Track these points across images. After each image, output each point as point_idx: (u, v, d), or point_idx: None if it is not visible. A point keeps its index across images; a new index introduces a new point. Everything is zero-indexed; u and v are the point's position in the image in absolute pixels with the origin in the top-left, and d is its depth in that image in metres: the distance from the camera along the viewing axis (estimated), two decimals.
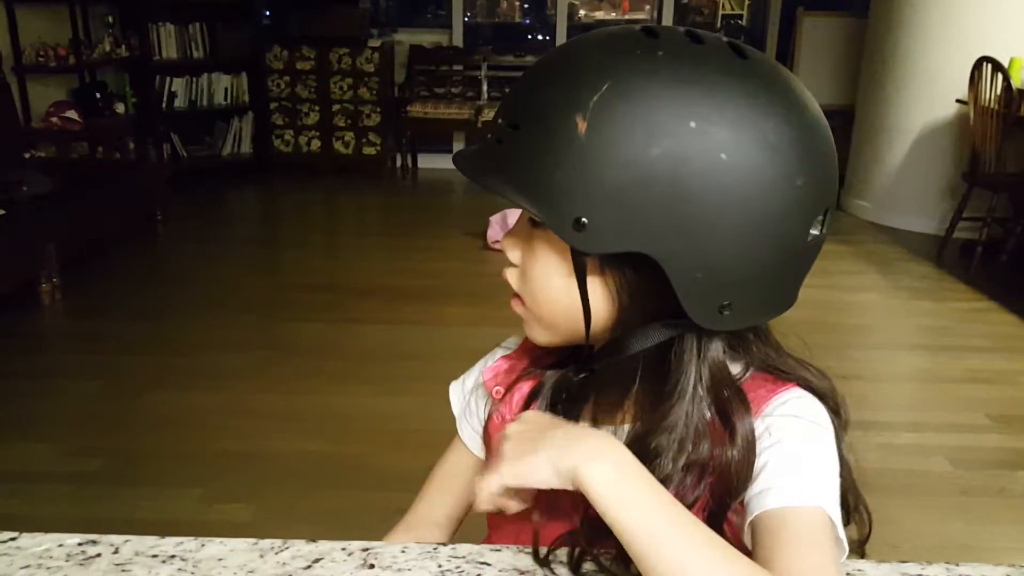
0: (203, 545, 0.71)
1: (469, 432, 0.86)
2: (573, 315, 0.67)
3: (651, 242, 0.61)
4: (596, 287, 0.66)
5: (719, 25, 7.87)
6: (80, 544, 0.70)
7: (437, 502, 0.87)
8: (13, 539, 0.71)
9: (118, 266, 4.08)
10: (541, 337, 0.72)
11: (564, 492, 0.62)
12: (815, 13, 5.71)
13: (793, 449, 0.66)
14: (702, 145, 0.59)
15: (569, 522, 0.68)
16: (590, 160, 0.59)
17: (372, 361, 3.01)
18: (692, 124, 0.59)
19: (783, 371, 0.71)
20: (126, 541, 0.71)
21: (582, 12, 7.89)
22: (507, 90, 0.72)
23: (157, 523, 2.09)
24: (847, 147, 5.39)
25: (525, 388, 0.78)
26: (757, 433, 0.66)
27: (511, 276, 0.71)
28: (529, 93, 0.64)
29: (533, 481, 0.62)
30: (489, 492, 0.64)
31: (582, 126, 0.59)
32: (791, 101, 0.64)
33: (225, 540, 0.72)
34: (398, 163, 6.20)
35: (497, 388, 0.81)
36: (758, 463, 0.65)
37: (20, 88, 4.46)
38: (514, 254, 0.71)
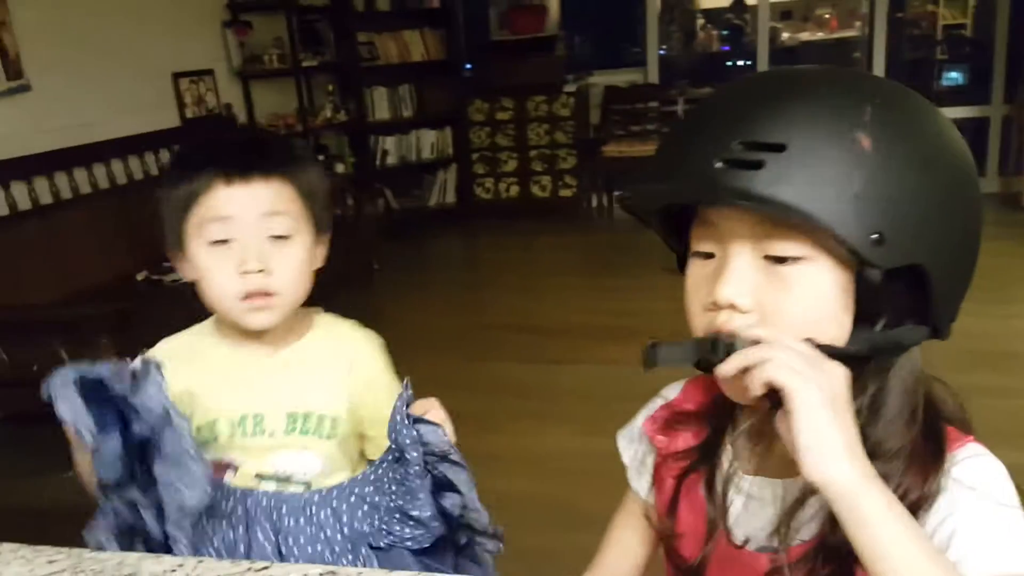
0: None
1: (639, 482, 0.85)
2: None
3: (932, 253, 0.63)
4: (849, 313, 0.65)
5: (939, 37, 7.32)
6: (322, 575, 0.76)
7: (617, 554, 0.87)
8: (266, 568, 0.78)
9: (338, 310, 4.39)
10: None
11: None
12: None
13: (981, 513, 0.63)
14: (956, 156, 0.64)
15: None
16: (884, 174, 0.60)
17: (572, 401, 3.03)
18: (944, 136, 0.64)
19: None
20: (360, 573, 0.77)
21: (785, 35, 7.63)
22: (717, 115, 0.65)
23: None
24: None
25: (689, 435, 0.78)
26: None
27: (744, 325, 0.64)
28: (777, 115, 0.61)
29: (807, 433, 0.58)
30: (772, 377, 0.59)
31: (866, 142, 0.60)
32: None
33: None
34: (594, 203, 6.27)
35: (660, 438, 0.80)
36: (943, 527, 0.62)
37: None
38: (746, 301, 0.64)
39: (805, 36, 7.60)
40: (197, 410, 1.01)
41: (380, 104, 5.96)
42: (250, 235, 0.99)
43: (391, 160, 6.04)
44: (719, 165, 0.60)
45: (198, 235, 1.00)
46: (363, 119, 5.79)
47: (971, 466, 0.65)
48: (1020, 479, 2.39)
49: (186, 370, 1.01)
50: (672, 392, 0.85)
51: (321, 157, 5.40)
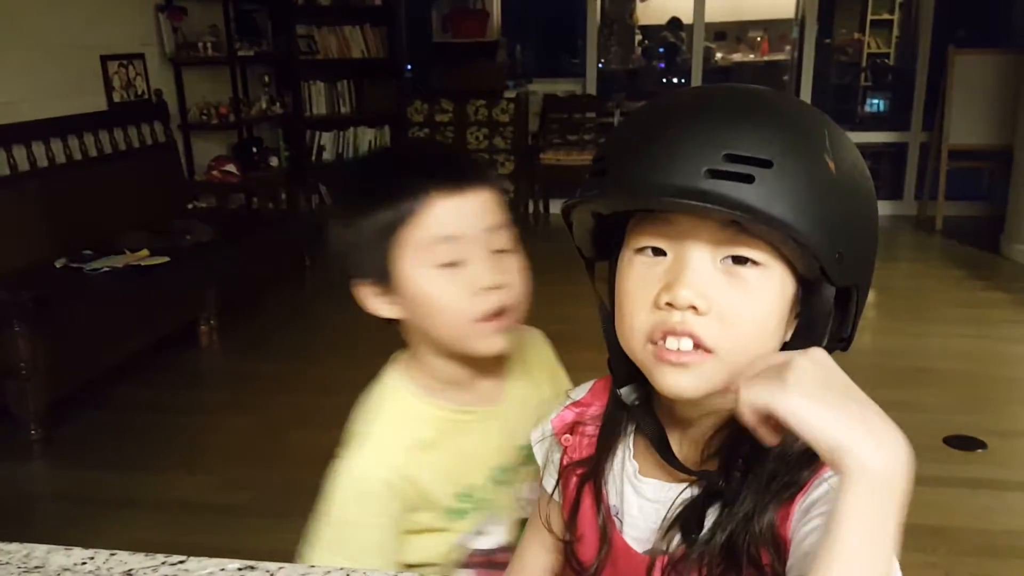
0: (348, 574, 0.75)
1: (549, 481, 0.85)
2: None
3: (864, 275, 0.67)
4: (789, 321, 0.67)
5: (864, 64, 7.62)
6: (240, 569, 0.75)
7: (536, 554, 0.88)
8: (181, 562, 0.77)
9: (270, 309, 4.34)
10: (707, 387, 0.65)
11: None
12: (967, 51, 5.43)
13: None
14: (870, 182, 0.68)
15: None
16: (845, 197, 0.64)
17: None
18: (862, 163, 0.67)
19: None
20: (280, 568, 0.76)
21: (719, 55, 7.83)
22: (695, 125, 0.63)
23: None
24: (1005, 189, 5.05)
25: (594, 437, 0.79)
26: (814, 497, 0.64)
27: (701, 327, 0.63)
28: (759, 131, 0.62)
29: (806, 429, 0.54)
30: (753, 405, 0.57)
31: (832, 165, 0.63)
32: None
33: (368, 572, 0.75)
34: (530, 209, 6.31)
35: (566, 436, 0.81)
36: (806, 528, 0.63)
37: (185, 144, 4.86)
38: (705, 302, 0.63)
39: (738, 57, 7.81)
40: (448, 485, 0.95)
41: (318, 99, 5.88)
42: (480, 251, 0.89)
43: (327, 156, 5.96)
44: (707, 175, 0.60)
45: (418, 259, 0.88)
46: (299, 113, 5.70)
47: None
48: (923, 489, 2.49)
49: (434, 457, 0.94)
50: (579, 392, 0.84)
51: (254, 150, 5.29)
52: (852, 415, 0.54)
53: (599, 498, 0.78)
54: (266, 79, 5.51)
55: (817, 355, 0.58)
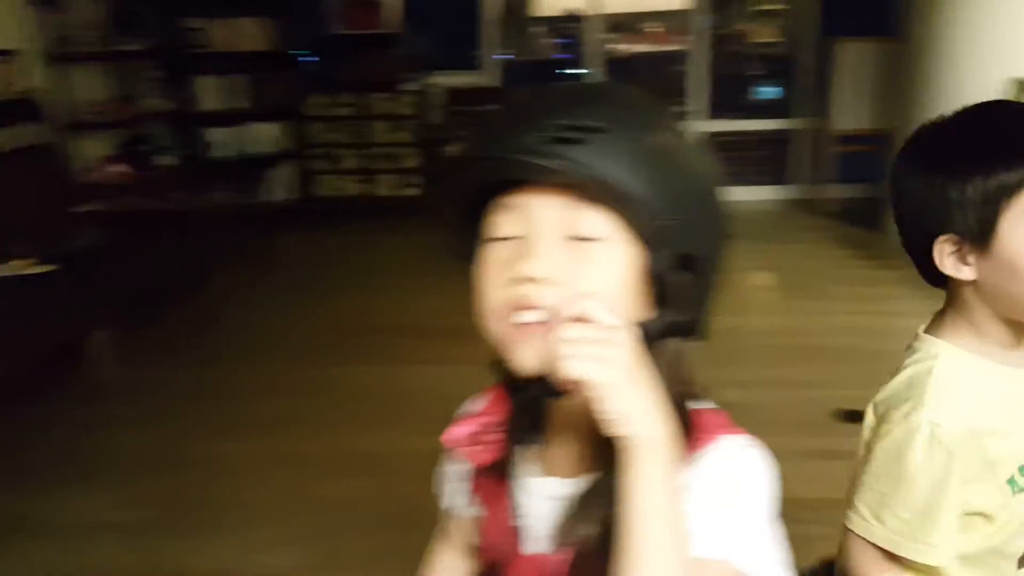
0: None
1: (456, 499, 0.88)
2: None
3: (705, 246, 0.72)
4: (641, 296, 0.71)
5: (755, 54, 7.88)
6: None
7: (447, 565, 0.90)
8: None
9: (169, 315, 4.19)
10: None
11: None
12: (848, 39, 5.69)
13: (712, 498, 0.69)
14: (711, 168, 0.74)
15: None
16: (678, 168, 0.69)
17: (423, 402, 3.03)
18: (698, 150, 0.74)
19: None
20: None
21: (619, 46, 7.94)
22: (534, 105, 0.72)
23: (208, 572, 2.13)
24: (887, 171, 5.33)
25: (497, 445, 0.81)
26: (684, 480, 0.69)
27: (552, 297, 0.67)
28: (594, 105, 0.68)
29: (609, 404, 0.62)
30: (571, 374, 0.63)
31: (665, 140, 0.69)
32: None
33: None
34: None
35: (468, 449, 0.83)
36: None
37: (71, 144, 4.63)
38: (555, 274, 0.67)
39: (636, 48, 7.94)
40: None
41: (210, 94, 5.70)
42: None
43: (224, 153, 5.78)
44: (546, 139, 0.65)
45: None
46: (191, 109, 5.51)
47: (719, 457, 0.72)
48: (815, 463, 2.61)
49: (1000, 423, 0.93)
50: (477, 405, 0.87)
51: (144, 148, 5.09)
52: (643, 393, 0.63)
53: (507, 500, 0.79)
54: (154, 75, 5.30)
55: (625, 338, 0.64)
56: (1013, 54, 4.28)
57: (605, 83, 0.74)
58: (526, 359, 0.68)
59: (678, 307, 0.71)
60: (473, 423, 0.84)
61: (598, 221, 0.68)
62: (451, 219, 0.76)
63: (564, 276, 0.67)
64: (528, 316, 0.67)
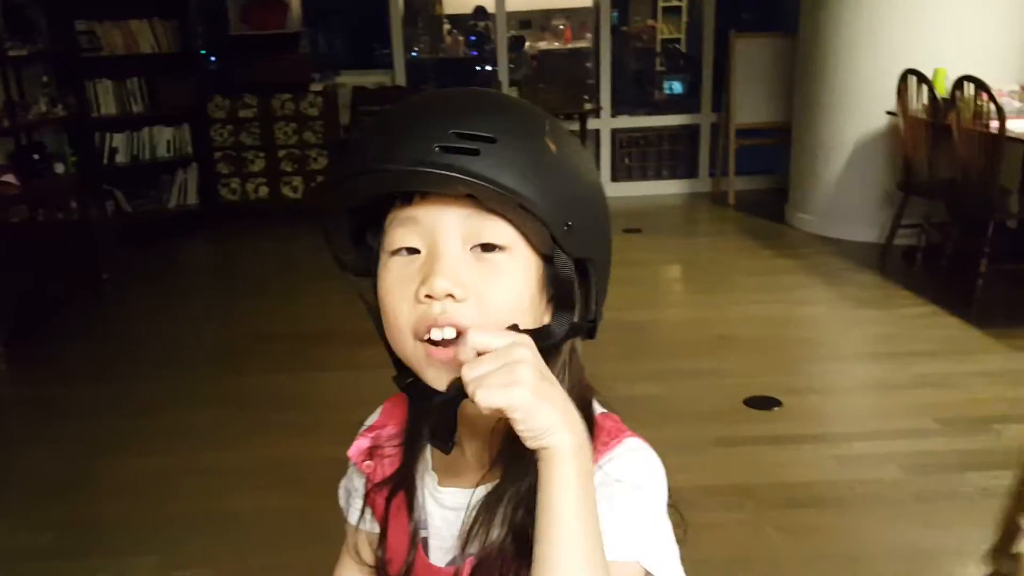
0: None
1: (353, 514, 0.86)
2: None
3: (598, 251, 0.71)
4: (542, 302, 0.71)
5: (659, 50, 8.04)
6: None
7: None
8: None
9: (65, 329, 4.01)
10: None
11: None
12: (746, 34, 5.86)
13: (621, 502, 0.69)
14: (595, 172, 0.75)
15: None
16: (567, 173, 0.69)
17: (333, 409, 2.98)
18: (585, 154, 0.75)
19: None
20: None
21: (527, 44, 7.99)
22: (424, 112, 0.70)
23: None
24: (787, 163, 5.52)
25: (395, 457, 0.80)
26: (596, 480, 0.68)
27: (461, 314, 0.66)
28: (483, 114, 0.68)
29: (525, 421, 0.61)
30: (488, 406, 0.61)
31: (553, 146, 0.68)
32: None
33: None
34: None
35: (367, 463, 0.82)
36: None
37: None
38: (461, 289, 0.66)
39: (543, 45, 8.00)
40: None
41: (105, 98, 5.48)
42: None
43: (121, 159, 5.57)
44: (437, 150, 0.64)
45: None
46: (86, 114, 5.29)
47: (624, 460, 0.72)
48: (728, 450, 2.69)
49: None
50: (372, 418, 0.86)
51: (36, 156, 4.85)
52: (556, 403, 0.63)
53: (410, 513, 0.78)
54: (44, 79, 5.05)
55: (527, 346, 0.64)
56: (905, 48, 4.49)
57: (491, 91, 0.73)
58: (439, 378, 0.68)
59: (578, 310, 0.72)
60: (369, 436, 0.83)
61: (498, 230, 0.67)
62: (336, 232, 0.74)
63: (471, 288, 0.66)
64: (440, 334, 0.66)
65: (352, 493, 0.86)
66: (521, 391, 0.61)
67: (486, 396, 0.61)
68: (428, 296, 0.66)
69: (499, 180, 0.64)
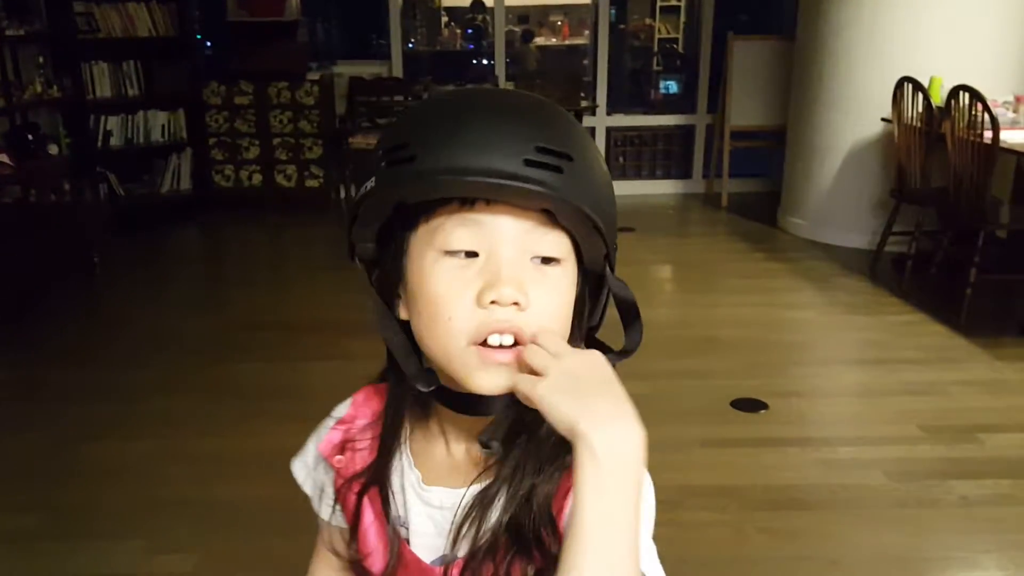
0: None
1: (327, 509, 0.84)
2: None
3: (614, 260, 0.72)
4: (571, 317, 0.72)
5: (656, 49, 8.05)
6: None
7: None
8: None
9: (55, 311, 4.00)
10: (514, 380, 0.67)
11: None
12: (744, 37, 5.87)
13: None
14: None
15: None
16: (611, 191, 0.71)
17: (320, 399, 2.99)
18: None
19: None
20: None
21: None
22: (514, 118, 0.67)
23: None
24: (780, 167, 5.54)
25: (366, 451, 0.79)
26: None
27: (523, 322, 0.66)
28: (565, 129, 0.68)
29: (553, 414, 0.61)
30: (518, 393, 0.63)
31: (602, 162, 0.70)
32: None
33: None
34: (342, 195, 6.19)
35: (338, 457, 0.80)
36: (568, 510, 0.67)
37: None
38: (525, 298, 0.66)
39: (541, 40, 8.00)
40: None
41: (101, 81, 5.46)
42: None
43: (116, 142, 5.54)
44: (523, 163, 0.63)
45: None
46: (81, 96, 5.26)
47: None
48: (713, 451, 2.71)
49: None
50: (341, 410, 0.84)
51: (30, 137, 4.82)
52: (587, 404, 0.61)
53: (386, 507, 0.77)
54: (40, 60, 5.02)
55: (594, 357, 0.65)
56: (902, 56, 4.51)
57: (550, 102, 0.71)
58: (493, 381, 0.67)
59: (599, 323, 0.75)
60: (340, 429, 0.81)
61: (559, 243, 0.68)
62: (371, 223, 0.72)
63: (531, 299, 0.67)
64: (499, 340, 0.66)
65: (322, 490, 0.84)
66: (539, 384, 0.62)
67: (552, 404, 0.61)
68: (493, 302, 0.66)
69: (580, 200, 0.65)
